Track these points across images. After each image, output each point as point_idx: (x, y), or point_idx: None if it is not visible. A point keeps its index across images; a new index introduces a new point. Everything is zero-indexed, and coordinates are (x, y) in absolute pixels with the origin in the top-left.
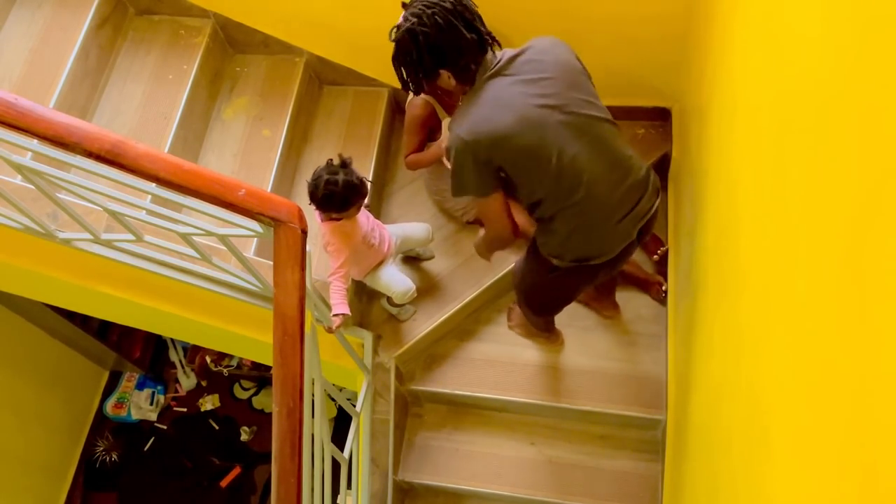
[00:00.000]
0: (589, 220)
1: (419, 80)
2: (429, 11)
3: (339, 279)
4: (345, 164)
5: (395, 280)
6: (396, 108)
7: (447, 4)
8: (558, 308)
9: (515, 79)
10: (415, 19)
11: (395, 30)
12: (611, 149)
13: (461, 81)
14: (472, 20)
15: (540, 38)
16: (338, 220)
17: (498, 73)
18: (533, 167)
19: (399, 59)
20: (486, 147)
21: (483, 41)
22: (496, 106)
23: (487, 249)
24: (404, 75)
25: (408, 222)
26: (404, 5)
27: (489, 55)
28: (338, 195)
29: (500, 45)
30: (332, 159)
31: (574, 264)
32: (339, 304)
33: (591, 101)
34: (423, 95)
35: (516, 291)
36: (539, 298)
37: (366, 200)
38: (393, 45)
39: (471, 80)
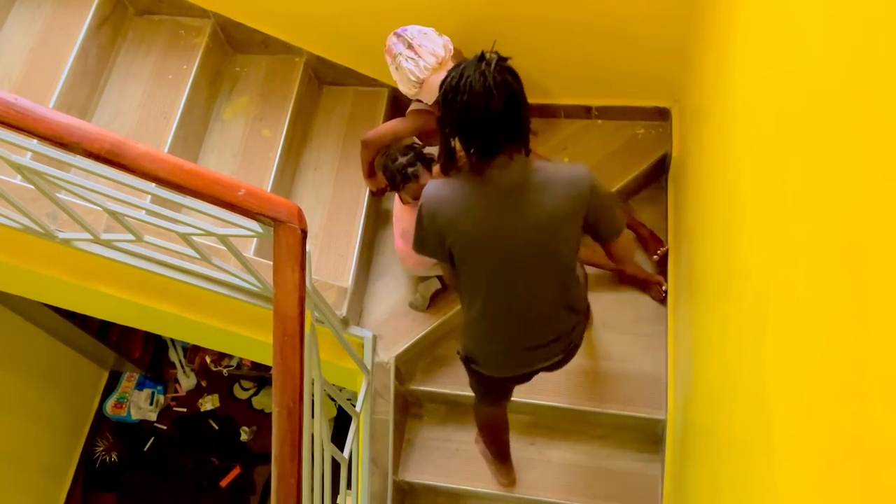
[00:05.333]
0: (488, 339)
1: None
2: (464, 97)
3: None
4: (406, 152)
5: None
6: (396, 108)
7: (480, 107)
8: (480, 393)
9: (496, 201)
10: (453, 84)
11: (454, 67)
12: (537, 316)
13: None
14: (494, 131)
15: (564, 167)
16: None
17: (490, 180)
18: (466, 272)
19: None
20: (438, 226)
21: (492, 151)
22: (467, 204)
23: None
24: None
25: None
26: (482, 55)
27: (500, 158)
28: (389, 176)
29: (525, 153)
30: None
31: (466, 357)
32: None
33: (551, 259)
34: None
35: None
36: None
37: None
38: None
39: (469, 164)
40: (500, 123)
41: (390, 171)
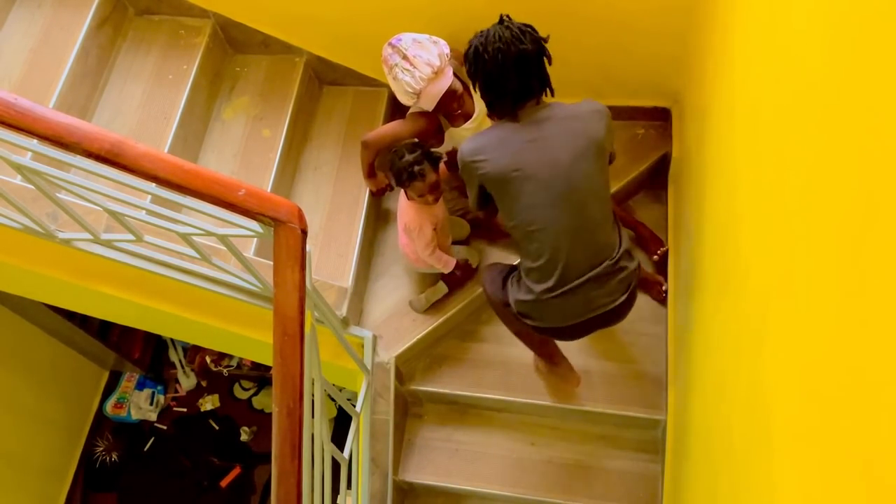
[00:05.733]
0: (547, 279)
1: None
2: (497, 45)
3: (433, 250)
4: (413, 150)
5: (461, 251)
6: (396, 108)
7: (513, 50)
8: (518, 332)
9: (533, 134)
10: (482, 40)
11: (477, 34)
12: (590, 229)
13: (490, 109)
14: (527, 72)
15: (584, 102)
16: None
17: (521, 120)
18: (509, 207)
19: (465, 57)
20: (478, 173)
21: (526, 93)
22: (506, 145)
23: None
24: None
25: None
26: (500, 18)
27: (530, 103)
28: (396, 173)
29: (551, 94)
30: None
31: (519, 313)
32: (448, 260)
33: (593, 176)
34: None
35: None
36: (498, 312)
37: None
38: None
39: (499, 114)
40: (531, 66)
41: (396, 168)
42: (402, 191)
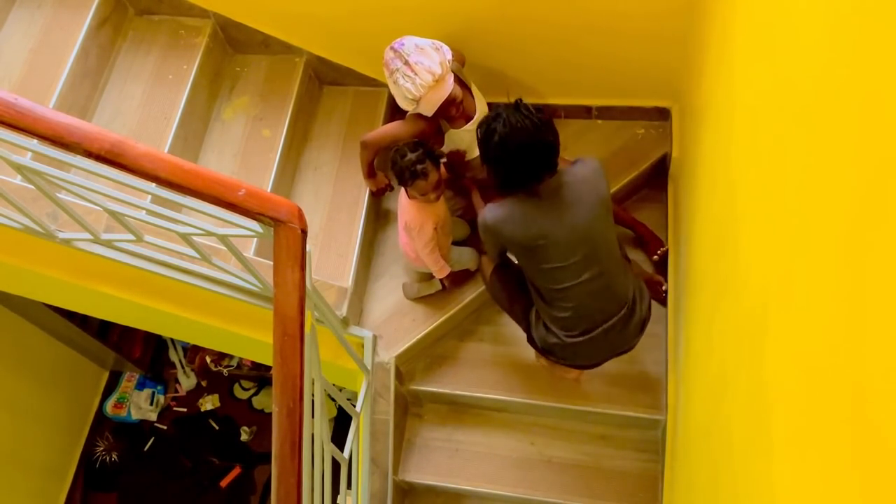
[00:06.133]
0: (577, 327)
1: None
2: (521, 139)
3: (431, 249)
4: (415, 149)
5: (464, 253)
6: (396, 108)
7: (538, 146)
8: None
9: (550, 204)
10: (506, 130)
11: (494, 118)
12: (609, 281)
13: (506, 187)
14: (544, 161)
15: (582, 163)
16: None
17: (536, 194)
18: (536, 269)
19: (479, 134)
20: (501, 238)
21: (542, 175)
22: (521, 217)
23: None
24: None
25: None
26: (517, 104)
27: (546, 179)
28: (398, 172)
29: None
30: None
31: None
32: (443, 267)
33: (606, 232)
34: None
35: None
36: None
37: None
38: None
39: (516, 190)
40: (552, 151)
41: (399, 167)
42: (403, 189)
